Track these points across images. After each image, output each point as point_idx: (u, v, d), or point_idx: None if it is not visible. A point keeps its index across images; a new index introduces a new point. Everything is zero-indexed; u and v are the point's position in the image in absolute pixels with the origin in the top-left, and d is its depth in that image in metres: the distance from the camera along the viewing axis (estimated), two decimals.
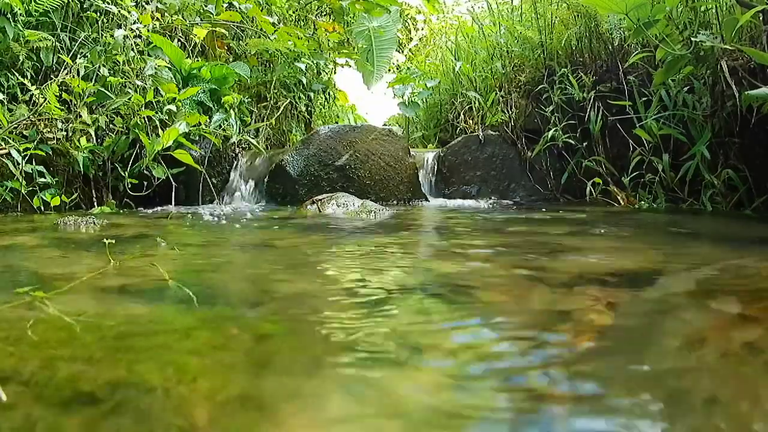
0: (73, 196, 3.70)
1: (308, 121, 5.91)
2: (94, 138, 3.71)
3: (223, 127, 4.24)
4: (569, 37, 4.11)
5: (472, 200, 4.09)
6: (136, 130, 3.74)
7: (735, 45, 2.59)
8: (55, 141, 3.58)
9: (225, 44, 5.05)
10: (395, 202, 4.14)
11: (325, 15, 6.19)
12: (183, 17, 4.63)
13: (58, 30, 3.89)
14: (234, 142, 4.38)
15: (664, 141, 3.27)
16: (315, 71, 5.63)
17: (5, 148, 3.37)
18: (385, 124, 6.08)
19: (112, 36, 3.82)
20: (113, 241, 1.55)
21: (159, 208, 3.76)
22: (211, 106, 4.35)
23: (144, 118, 3.80)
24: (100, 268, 1.37)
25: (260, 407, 0.60)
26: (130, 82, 3.84)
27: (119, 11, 3.91)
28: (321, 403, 0.61)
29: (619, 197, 3.51)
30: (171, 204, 3.73)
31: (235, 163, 4.41)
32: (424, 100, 5.66)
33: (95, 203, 3.78)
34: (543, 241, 1.92)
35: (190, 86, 4.18)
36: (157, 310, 1.02)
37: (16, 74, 3.62)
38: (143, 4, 4.39)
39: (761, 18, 2.73)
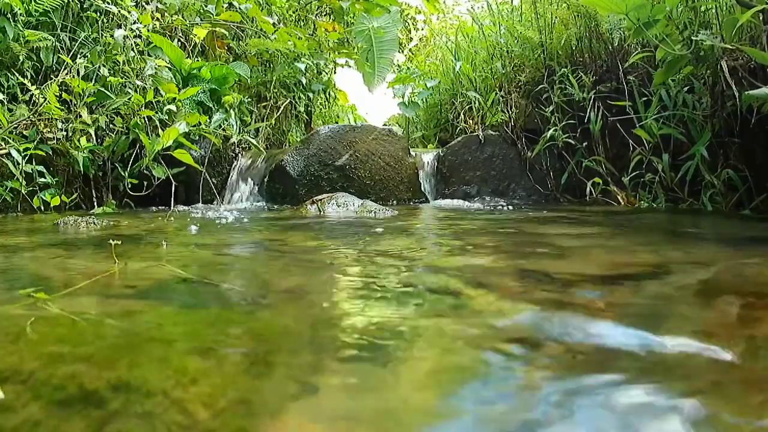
0: (73, 196, 3.70)
1: (308, 121, 5.92)
2: (94, 138, 3.71)
3: (223, 127, 4.24)
4: (569, 37, 4.11)
5: (472, 200, 4.09)
6: (136, 130, 3.74)
7: (735, 45, 2.59)
8: (55, 141, 3.58)
9: (225, 44, 5.05)
10: (395, 202, 4.14)
11: (325, 15, 6.19)
12: (183, 17, 4.64)
13: (58, 30, 3.89)
14: (234, 142, 4.38)
15: (664, 141, 3.27)
16: (315, 71, 5.63)
17: (5, 148, 3.37)
18: (385, 124, 6.09)
19: (112, 36, 3.82)
20: (119, 242, 1.55)
21: (159, 208, 3.76)
22: (211, 106, 4.36)
23: (144, 118, 3.81)
24: (101, 268, 1.37)
25: (260, 408, 0.60)
26: (130, 82, 3.85)
27: (119, 11, 3.91)
28: (321, 404, 0.61)
29: (619, 197, 3.51)
30: (171, 204, 3.73)
31: (235, 163, 4.42)
32: (424, 100, 5.67)
33: (95, 203, 3.78)
34: (543, 240, 1.92)
35: (190, 86, 4.18)
36: (157, 309, 1.02)
37: (16, 74, 3.62)
38: (143, 4, 4.39)
39: (761, 18, 2.73)
